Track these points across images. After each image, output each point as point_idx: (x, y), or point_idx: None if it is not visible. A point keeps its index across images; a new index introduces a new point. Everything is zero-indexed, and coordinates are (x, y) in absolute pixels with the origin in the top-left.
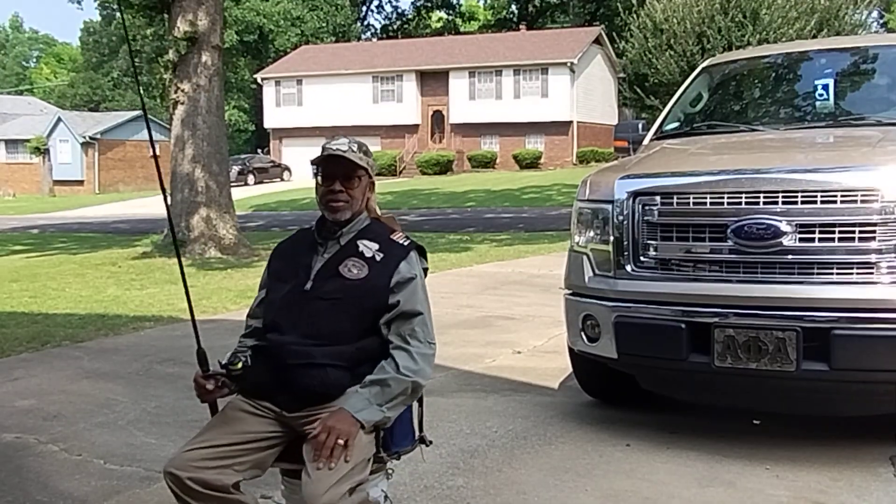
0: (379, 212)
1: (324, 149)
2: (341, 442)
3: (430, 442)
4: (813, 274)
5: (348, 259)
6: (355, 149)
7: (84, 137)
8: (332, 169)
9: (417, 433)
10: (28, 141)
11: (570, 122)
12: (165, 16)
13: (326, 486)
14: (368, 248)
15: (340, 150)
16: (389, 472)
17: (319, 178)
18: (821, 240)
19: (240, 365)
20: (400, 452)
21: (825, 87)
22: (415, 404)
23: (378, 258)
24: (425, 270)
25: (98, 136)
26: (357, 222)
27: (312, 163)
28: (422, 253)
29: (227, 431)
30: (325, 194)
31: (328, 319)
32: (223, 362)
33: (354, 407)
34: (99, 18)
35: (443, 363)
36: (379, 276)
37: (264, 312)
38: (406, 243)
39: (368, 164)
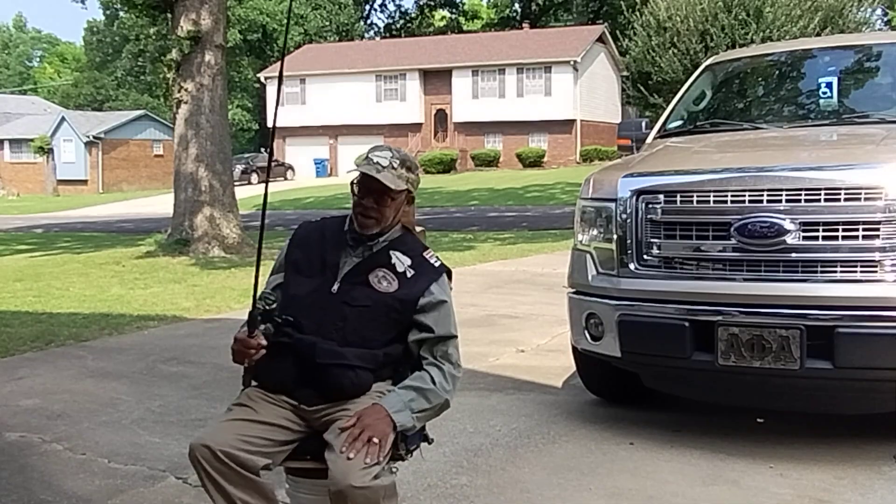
0: (413, 221)
1: (366, 158)
2: (376, 440)
3: (432, 440)
4: (816, 272)
5: (379, 269)
6: (397, 164)
7: (88, 137)
8: (369, 184)
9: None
10: (32, 140)
11: (574, 120)
12: (169, 15)
13: (358, 467)
14: (401, 262)
15: (377, 169)
16: (394, 470)
17: (356, 187)
18: (824, 238)
19: (272, 300)
20: (411, 450)
21: (829, 84)
22: None
23: (409, 274)
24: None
25: (102, 136)
26: (392, 232)
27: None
28: (450, 276)
29: (252, 416)
30: (356, 206)
31: (355, 325)
32: (255, 312)
33: (392, 406)
34: (102, 18)
35: None
36: (409, 293)
37: (284, 307)
38: (438, 265)
39: (409, 181)
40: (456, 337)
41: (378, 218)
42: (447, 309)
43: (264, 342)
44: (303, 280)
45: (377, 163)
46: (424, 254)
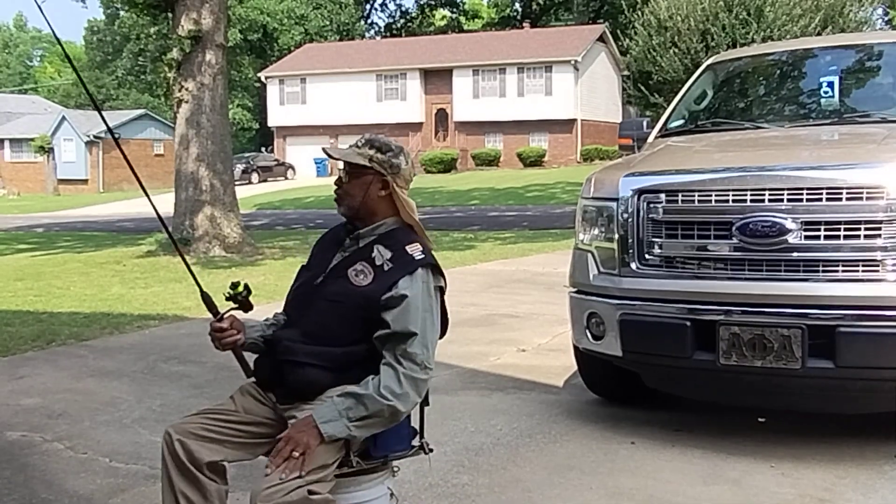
0: (414, 217)
1: None
2: (296, 454)
3: (432, 450)
4: (818, 271)
5: (359, 262)
6: (361, 144)
7: (88, 136)
8: (336, 165)
9: (419, 438)
10: (32, 140)
11: (574, 119)
12: (169, 14)
13: (266, 487)
14: (381, 255)
15: (337, 150)
16: (395, 469)
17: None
18: (826, 237)
19: (240, 286)
20: (390, 457)
21: (830, 84)
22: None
23: (386, 268)
24: (440, 289)
25: (102, 135)
26: (381, 225)
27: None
28: (437, 270)
29: (232, 408)
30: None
31: (325, 319)
32: (226, 294)
33: (322, 416)
34: (103, 17)
35: (447, 361)
36: (379, 287)
37: (285, 302)
38: (419, 257)
39: (374, 160)
40: (416, 334)
41: (342, 196)
42: (408, 304)
43: (226, 325)
44: (304, 275)
45: (348, 146)
46: (408, 246)
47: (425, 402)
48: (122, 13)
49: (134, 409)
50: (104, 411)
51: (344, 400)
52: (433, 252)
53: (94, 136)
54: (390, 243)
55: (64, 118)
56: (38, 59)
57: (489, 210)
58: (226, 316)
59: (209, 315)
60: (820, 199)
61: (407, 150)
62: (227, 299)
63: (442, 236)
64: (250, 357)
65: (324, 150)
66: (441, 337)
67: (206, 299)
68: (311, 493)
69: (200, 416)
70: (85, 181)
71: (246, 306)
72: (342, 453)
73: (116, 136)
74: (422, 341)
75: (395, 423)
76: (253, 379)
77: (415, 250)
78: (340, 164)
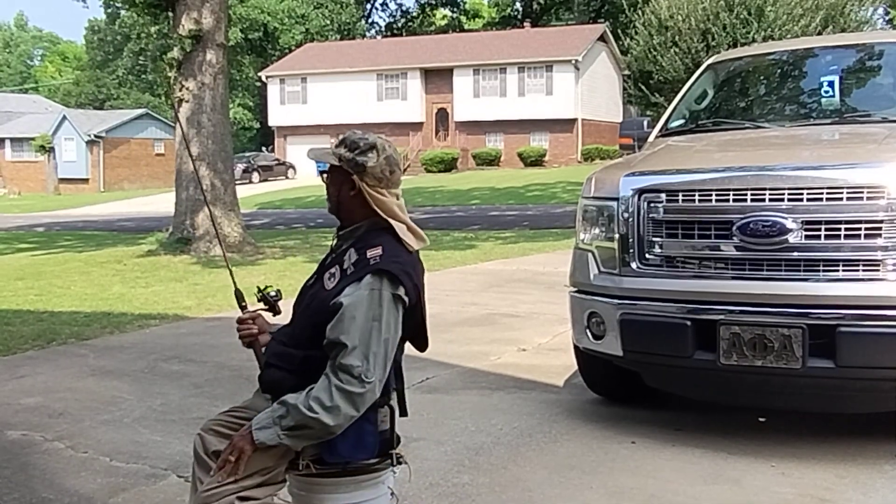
0: (397, 215)
1: None
2: (232, 458)
3: (401, 462)
4: (819, 271)
5: (334, 266)
6: (337, 143)
7: (89, 135)
8: None
9: (391, 448)
10: (33, 139)
11: (575, 119)
12: (170, 14)
13: (203, 490)
14: (349, 258)
15: (316, 149)
16: (394, 469)
17: None
18: (826, 237)
19: (270, 288)
20: (350, 465)
21: (831, 83)
22: (386, 412)
23: (349, 272)
24: (398, 297)
25: (103, 135)
26: (359, 227)
27: None
28: (393, 278)
29: (247, 404)
30: None
31: (299, 321)
32: (256, 295)
33: (258, 422)
34: (104, 17)
35: (448, 360)
36: (333, 293)
37: None
38: (371, 263)
39: (342, 157)
40: (347, 345)
41: (328, 199)
42: (346, 313)
43: (247, 318)
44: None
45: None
46: (369, 250)
47: (403, 413)
48: (122, 13)
49: (134, 409)
50: (105, 410)
51: (279, 407)
52: (432, 256)
53: (95, 136)
54: (361, 246)
55: (65, 117)
56: (39, 58)
57: (490, 209)
58: (252, 313)
59: (210, 314)
60: (820, 199)
61: (385, 144)
62: (259, 300)
63: (443, 236)
64: None
65: (309, 151)
66: (422, 349)
67: (238, 294)
68: (241, 499)
69: (224, 413)
70: (86, 180)
71: (274, 309)
72: (287, 458)
73: (98, 138)
74: (362, 352)
75: (330, 435)
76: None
77: (373, 254)
78: None
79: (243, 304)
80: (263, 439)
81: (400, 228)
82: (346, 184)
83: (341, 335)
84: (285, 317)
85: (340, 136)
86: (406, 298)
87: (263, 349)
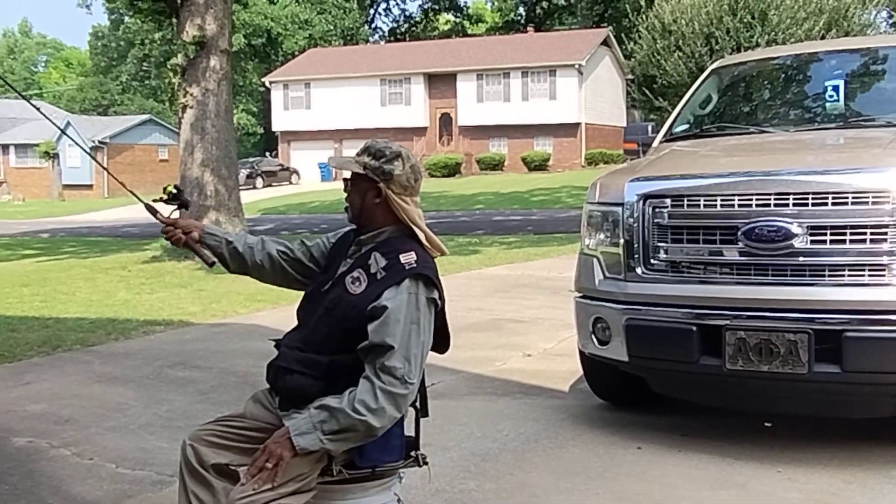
0: (418, 223)
1: None
2: (269, 465)
3: (426, 462)
4: (824, 276)
5: (357, 270)
6: (360, 151)
7: (93, 141)
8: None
9: (415, 450)
10: (37, 145)
11: (579, 123)
12: (174, 20)
13: (237, 497)
14: (377, 262)
15: (338, 158)
16: (401, 475)
17: None
18: (832, 241)
19: (169, 187)
20: (378, 468)
21: (835, 88)
22: (411, 413)
23: (379, 276)
24: (432, 300)
25: (107, 141)
26: (382, 232)
27: None
28: (429, 282)
29: (243, 414)
30: None
31: (318, 326)
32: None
33: (297, 428)
34: (107, 23)
35: (453, 366)
36: (368, 296)
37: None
38: (408, 267)
39: (367, 166)
40: (394, 348)
41: (349, 206)
42: (390, 315)
43: (169, 220)
44: (317, 279)
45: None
46: (402, 255)
47: (424, 414)
48: (126, 19)
49: (140, 415)
50: (110, 417)
51: (319, 412)
52: (436, 262)
53: (99, 142)
54: (387, 251)
55: (69, 124)
56: (43, 64)
57: (494, 214)
58: (168, 218)
59: (215, 320)
60: (825, 204)
61: (408, 154)
62: (166, 202)
63: (447, 241)
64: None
65: (329, 159)
66: (443, 352)
67: (148, 208)
68: None
69: (213, 423)
70: (90, 186)
71: (184, 203)
72: (321, 464)
73: (89, 149)
74: (403, 354)
75: (372, 437)
76: (267, 386)
77: (408, 259)
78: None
79: (157, 214)
80: (305, 445)
81: (423, 236)
82: (371, 191)
83: (387, 338)
84: (266, 318)
85: (364, 145)
86: (439, 302)
87: (198, 245)
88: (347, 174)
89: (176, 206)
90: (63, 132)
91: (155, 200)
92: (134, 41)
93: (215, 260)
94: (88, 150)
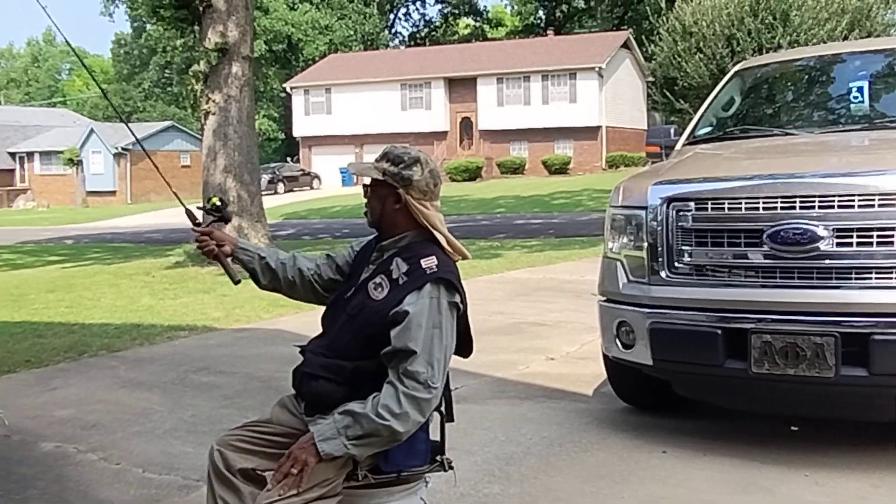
0: (439, 227)
1: None
2: (295, 471)
3: (452, 466)
4: (851, 279)
5: (379, 276)
6: (380, 157)
7: (116, 148)
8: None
9: (440, 455)
10: (61, 152)
11: (599, 126)
12: (196, 27)
13: (263, 500)
14: (398, 268)
15: (357, 167)
16: (427, 479)
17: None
18: (858, 244)
19: (214, 199)
20: (403, 472)
21: (859, 89)
22: (436, 418)
23: (401, 281)
24: (454, 304)
25: (130, 147)
26: (403, 238)
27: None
28: (450, 286)
29: (269, 419)
30: None
31: (342, 332)
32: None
33: (322, 434)
34: (130, 30)
35: (475, 370)
36: (390, 301)
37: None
38: (430, 272)
39: (386, 172)
40: (416, 352)
41: (367, 212)
42: (412, 320)
43: (206, 230)
44: (341, 286)
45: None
46: (423, 259)
47: (449, 419)
48: (148, 26)
49: (166, 420)
50: (136, 422)
51: (343, 418)
52: (458, 266)
53: (122, 148)
54: (408, 256)
55: (92, 131)
56: (67, 72)
57: (515, 218)
58: (205, 228)
59: (238, 325)
60: (852, 206)
61: (427, 158)
62: (207, 212)
63: (468, 245)
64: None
65: (348, 165)
66: (467, 356)
67: (188, 213)
68: None
69: (240, 428)
70: (113, 193)
71: (224, 217)
72: (346, 469)
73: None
74: (426, 359)
75: (396, 442)
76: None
77: (429, 264)
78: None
79: (196, 221)
80: (330, 450)
81: (444, 240)
82: (391, 197)
83: (409, 342)
84: (289, 322)
85: (383, 150)
86: (461, 306)
87: (230, 259)
88: (367, 180)
89: (215, 219)
90: (146, 154)
91: (198, 207)
92: (156, 48)
93: (240, 278)
94: (149, 156)
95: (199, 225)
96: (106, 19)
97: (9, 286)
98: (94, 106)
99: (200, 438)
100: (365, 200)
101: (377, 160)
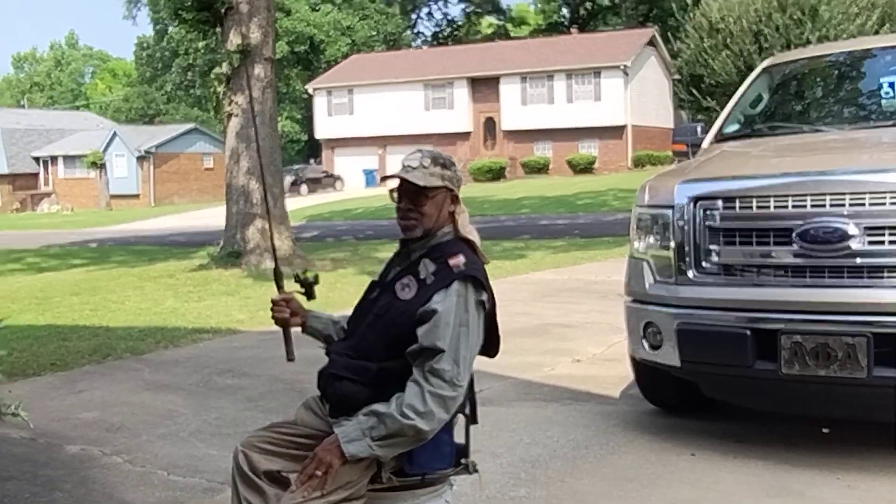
0: (467, 229)
1: (401, 163)
2: (319, 473)
3: (477, 469)
4: (883, 277)
5: (406, 276)
6: (427, 163)
7: (139, 151)
8: (404, 187)
9: (465, 457)
10: (85, 156)
11: (625, 125)
12: (218, 29)
13: (288, 501)
14: (426, 268)
15: (407, 170)
16: (452, 482)
17: (395, 194)
18: (891, 242)
19: (309, 272)
20: (428, 475)
21: (891, 84)
22: (461, 420)
23: (429, 281)
24: (481, 303)
25: (153, 150)
26: (431, 238)
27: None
28: (478, 284)
29: (294, 421)
30: (396, 211)
31: (368, 333)
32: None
33: (347, 435)
34: (152, 33)
35: (501, 372)
36: (418, 301)
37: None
38: (457, 270)
39: (445, 177)
40: (443, 351)
41: (418, 219)
42: (438, 319)
43: (286, 296)
44: (371, 290)
45: (407, 165)
46: (450, 259)
47: (473, 421)
48: (171, 29)
49: (190, 423)
50: (161, 424)
51: (368, 418)
52: (484, 265)
53: (145, 151)
54: (436, 256)
55: (115, 134)
56: (90, 75)
57: (540, 218)
58: (286, 294)
59: (262, 328)
60: (883, 203)
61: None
62: (296, 282)
63: (492, 245)
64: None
65: (399, 178)
66: (493, 355)
67: (276, 273)
68: None
69: (265, 430)
70: (136, 196)
71: (310, 292)
72: (371, 471)
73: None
74: (452, 357)
75: (422, 441)
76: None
77: (456, 263)
78: (392, 184)
79: (281, 284)
80: (355, 452)
81: (476, 238)
82: (449, 200)
83: (437, 341)
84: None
85: (427, 156)
86: (487, 304)
87: (300, 330)
88: (394, 184)
89: (301, 291)
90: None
91: (296, 279)
92: (178, 51)
93: (294, 357)
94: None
95: (281, 289)
96: (129, 22)
97: (34, 289)
98: (116, 109)
99: (225, 441)
100: (399, 206)
101: (426, 166)
